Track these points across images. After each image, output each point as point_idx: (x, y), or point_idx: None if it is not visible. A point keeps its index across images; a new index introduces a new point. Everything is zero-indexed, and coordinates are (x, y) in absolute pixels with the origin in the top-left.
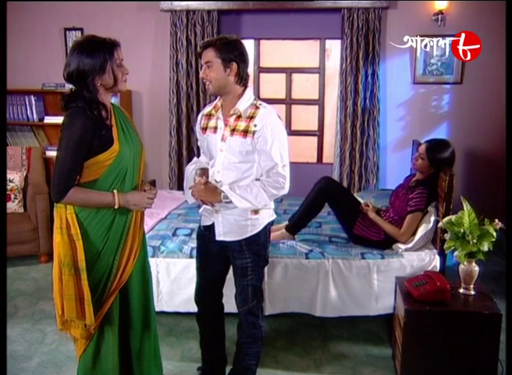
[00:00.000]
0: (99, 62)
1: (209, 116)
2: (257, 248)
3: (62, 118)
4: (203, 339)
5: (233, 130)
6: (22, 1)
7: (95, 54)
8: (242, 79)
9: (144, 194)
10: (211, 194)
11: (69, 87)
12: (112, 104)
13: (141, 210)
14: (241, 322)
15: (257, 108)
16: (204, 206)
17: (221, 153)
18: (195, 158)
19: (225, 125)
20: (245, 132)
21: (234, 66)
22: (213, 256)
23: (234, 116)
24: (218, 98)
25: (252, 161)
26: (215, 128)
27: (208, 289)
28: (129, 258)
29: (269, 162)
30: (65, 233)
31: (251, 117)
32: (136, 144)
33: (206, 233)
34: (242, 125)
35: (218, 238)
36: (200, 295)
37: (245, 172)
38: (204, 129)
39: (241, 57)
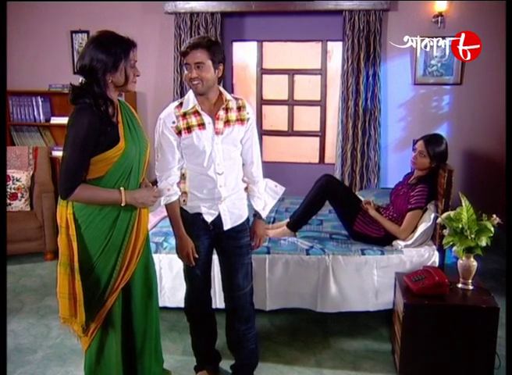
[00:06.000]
0: (113, 59)
1: (184, 115)
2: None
3: (68, 116)
4: (198, 335)
5: (227, 122)
6: (29, 1)
7: (111, 51)
8: (221, 78)
9: (151, 192)
10: (263, 231)
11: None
12: (119, 100)
13: (146, 208)
14: (239, 305)
15: (237, 99)
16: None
17: (217, 146)
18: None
19: (217, 119)
20: (241, 120)
21: (221, 67)
22: (207, 256)
23: (223, 110)
24: (193, 98)
25: (240, 147)
26: (202, 124)
27: (205, 292)
28: (132, 255)
29: (256, 148)
30: (64, 233)
31: (240, 107)
32: (142, 142)
33: (212, 230)
34: (233, 115)
35: (226, 227)
36: (199, 299)
37: (237, 158)
38: (188, 128)
39: (224, 58)
